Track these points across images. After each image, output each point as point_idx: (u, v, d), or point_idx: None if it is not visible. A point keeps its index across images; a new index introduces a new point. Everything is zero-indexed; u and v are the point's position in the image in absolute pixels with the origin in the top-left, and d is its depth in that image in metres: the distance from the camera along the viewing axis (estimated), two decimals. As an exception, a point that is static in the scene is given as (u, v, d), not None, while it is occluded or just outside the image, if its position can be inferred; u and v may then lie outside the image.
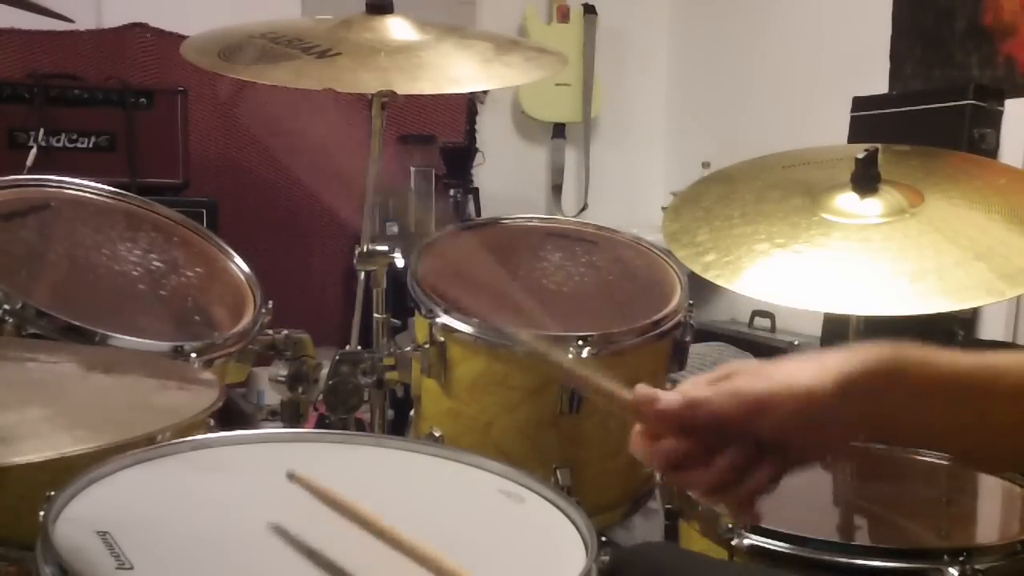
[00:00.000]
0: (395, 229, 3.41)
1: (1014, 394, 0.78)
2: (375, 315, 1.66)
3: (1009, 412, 0.79)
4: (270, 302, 1.54)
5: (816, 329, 2.95)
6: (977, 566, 1.08)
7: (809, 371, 0.77)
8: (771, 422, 0.75)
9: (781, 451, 0.76)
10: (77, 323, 1.29)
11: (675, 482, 0.80)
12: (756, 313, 3.24)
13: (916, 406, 0.78)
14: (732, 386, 0.77)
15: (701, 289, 1.71)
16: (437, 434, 1.51)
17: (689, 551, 1.23)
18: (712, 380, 0.79)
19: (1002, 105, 2.61)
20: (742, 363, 0.81)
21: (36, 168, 2.68)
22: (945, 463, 1.42)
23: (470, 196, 3.67)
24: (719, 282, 1.42)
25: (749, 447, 0.76)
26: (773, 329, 3.20)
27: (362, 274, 1.69)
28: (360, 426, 1.68)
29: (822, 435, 0.77)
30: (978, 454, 0.85)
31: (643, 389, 0.78)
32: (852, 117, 2.91)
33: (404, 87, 1.61)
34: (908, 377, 0.77)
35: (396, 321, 1.68)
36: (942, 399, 0.78)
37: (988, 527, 1.37)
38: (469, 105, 3.85)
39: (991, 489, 1.39)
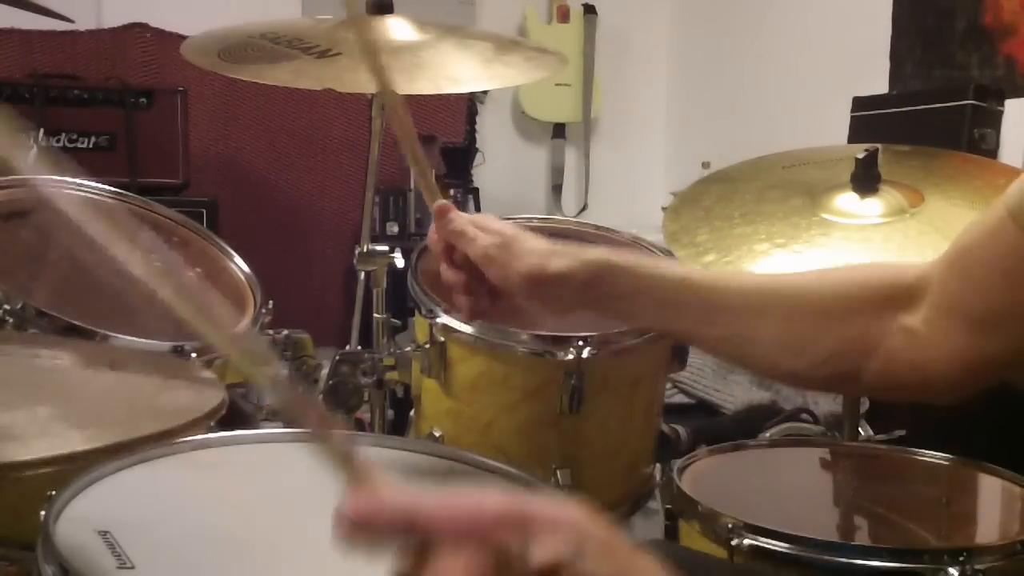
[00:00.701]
0: (395, 229, 3.42)
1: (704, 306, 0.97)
2: (375, 315, 1.66)
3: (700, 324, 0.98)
4: (270, 302, 1.54)
5: (816, 329, 2.95)
6: (977, 566, 1.08)
7: (534, 261, 0.99)
8: (494, 276, 1.02)
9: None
10: (77, 323, 1.29)
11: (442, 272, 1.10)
12: (756, 313, 3.24)
13: (620, 301, 0.99)
14: (483, 240, 1.01)
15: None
16: (437, 434, 1.51)
17: (689, 549, 1.23)
18: (483, 225, 1.03)
19: (1002, 105, 2.61)
20: (509, 227, 1.04)
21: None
22: (945, 463, 1.43)
23: (470, 196, 3.68)
24: (719, 282, 1.42)
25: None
26: (773, 329, 3.20)
27: (362, 274, 1.69)
28: (360, 426, 1.68)
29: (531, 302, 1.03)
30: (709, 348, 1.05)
31: (440, 204, 1.06)
32: (852, 117, 2.92)
33: (404, 87, 1.61)
34: (615, 280, 0.97)
35: (396, 321, 1.68)
36: (647, 299, 0.98)
37: (988, 527, 1.37)
38: (469, 105, 3.85)
39: (991, 489, 1.39)
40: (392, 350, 1.63)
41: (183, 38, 1.75)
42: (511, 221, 1.84)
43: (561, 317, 1.05)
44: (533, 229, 1.80)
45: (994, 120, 2.59)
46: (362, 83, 1.61)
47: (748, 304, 0.97)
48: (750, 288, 0.99)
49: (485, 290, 1.05)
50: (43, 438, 0.79)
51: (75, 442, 0.79)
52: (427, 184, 1.13)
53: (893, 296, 0.93)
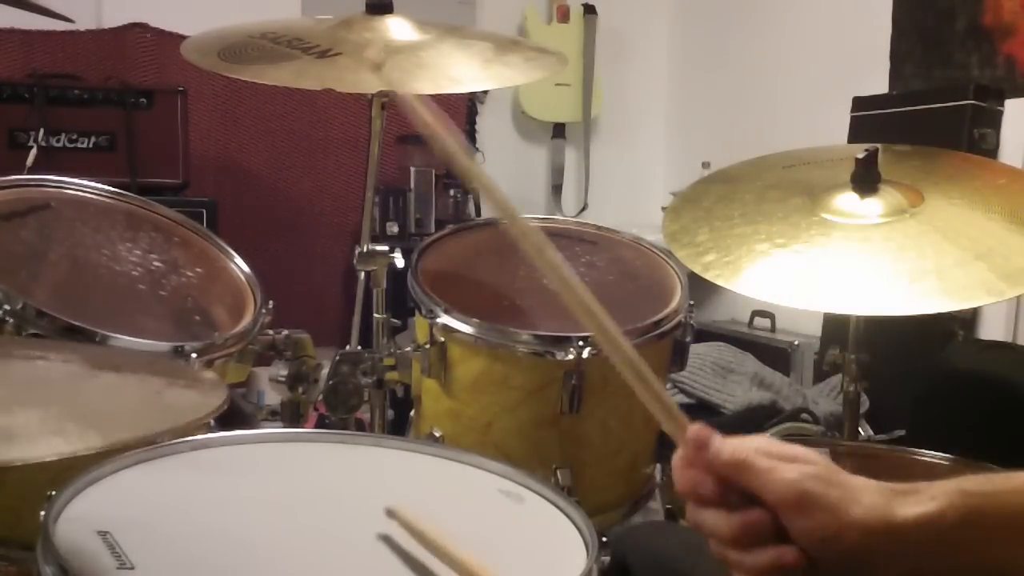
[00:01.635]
0: (395, 229, 3.42)
1: None
2: (375, 315, 1.66)
3: None
4: (270, 302, 1.54)
5: (816, 329, 2.95)
6: (977, 566, 1.08)
7: (875, 502, 0.71)
8: (808, 528, 0.70)
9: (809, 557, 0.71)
10: (77, 323, 1.29)
11: (692, 520, 0.75)
12: (756, 313, 3.24)
13: (992, 547, 0.72)
14: (791, 473, 0.71)
15: (701, 289, 1.71)
16: (437, 434, 1.51)
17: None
18: (777, 453, 0.73)
19: (1002, 105, 2.61)
20: (816, 456, 0.74)
21: (36, 168, 2.69)
22: (945, 463, 1.42)
23: (470, 196, 3.68)
24: (719, 282, 1.42)
25: (776, 523, 0.71)
26: (773, 329, 3.21)
27: (362, 274, 1.69)
28: (360, 426, 1.68)
29: (862, 568, 0.72)
30: None
31: (698, 430, 0.74)
32: (852, 117, 2.92)
33: (404, 87, 1.61)
34: (985, 519, 0.71)
35: (396, 321, 1.68)
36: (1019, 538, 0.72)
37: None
38: (469, 105, 3.85)
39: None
40: (392, 350, 1.63)
41: (183, 38, 1.75)
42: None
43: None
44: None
45: (994, 120, 2.59)
46: (362, 83, 1.61)
47: None
48: None
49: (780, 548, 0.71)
50: (46, 438, 0.79)
51: (76, 443, 0.79)
52: (653, 395, 0.79)
53: None
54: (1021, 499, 0.72)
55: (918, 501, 0.71)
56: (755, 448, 0.72)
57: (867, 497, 0.71)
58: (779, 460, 0.72)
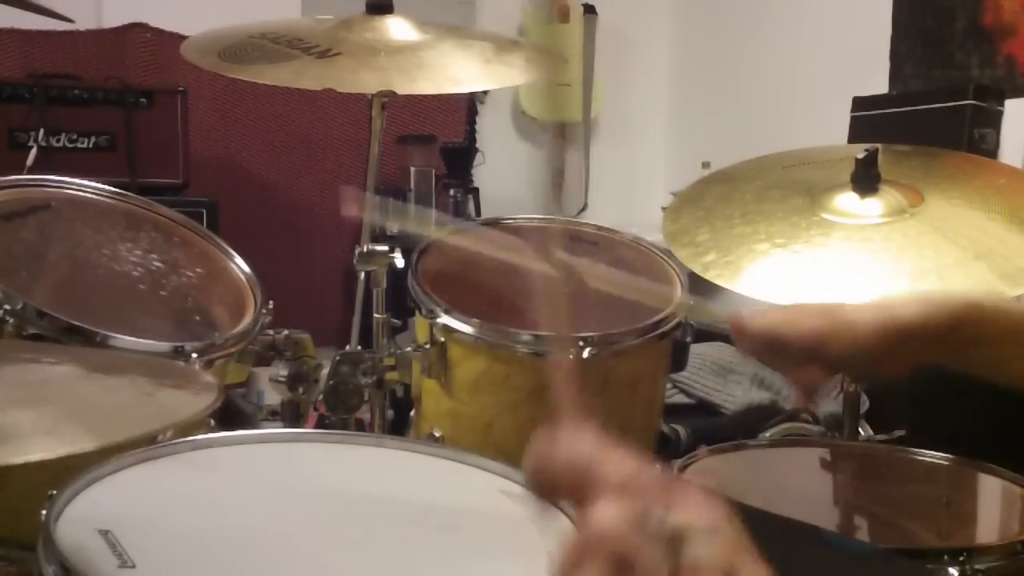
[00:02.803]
0: (395, 229, 3.41)
1: None
2: (375, 315, 1.66)
3: None
4: (270, 302, 1.54)
5: (816, 329, 2.95)
6: (977, 566, 1.08)
7: (870, 315, 0.91)
8: (834, 350, 0.92)
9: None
10: (78, 323, 1.29)
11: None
12: (756, 313, 3.24)
13: (986, 348, 0.89)
14: (799, 324, 0.94)
15: (701, 289, 1.71)
16: (437, 434, 1.51)
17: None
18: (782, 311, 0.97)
19: (1002, 105, 2.61)
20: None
21: (36, 168, 2.69)
22: (945, 463, 1.42)
23: (470, 196, 3.68)
24: (719, 282, 1.42)
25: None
26: (773, 329, 3.21)
27: (362, 274, 1.69)
28: (360, 426, 1.68)
29: (878, 365, 0.93)
30: None
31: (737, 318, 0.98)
32: (852, 117, 2.92)
33: (404, 87, 1.61)
34: (981, 324, 0.88)
35: (396, 321, 1.68)
36: (1012, 343, 0.88)
37: (988, 527, 1.37)
38: (469, 105, 3.85)
39: (991, 489, 1.39)
40: (392, 350, 1.63)
41: (183, 38, 1.75)
42: (510, 220, 1.85)
43: (900, 372, 0.93)
44: (533, 229, 1.81)
45: (994, 120, 2.59)
46: (362, 83, 1.61)
47: None
48: None
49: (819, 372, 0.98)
50: (45, 438, 0.79)
51: (76, 442, 0.79)
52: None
53: None
54: (1016, 309, 0.90)
55: (913, 306, 0.89)
56: (772, 312, 0.97)
57: (871, 313, 0.90)
58: (794, 316, 0.95)
